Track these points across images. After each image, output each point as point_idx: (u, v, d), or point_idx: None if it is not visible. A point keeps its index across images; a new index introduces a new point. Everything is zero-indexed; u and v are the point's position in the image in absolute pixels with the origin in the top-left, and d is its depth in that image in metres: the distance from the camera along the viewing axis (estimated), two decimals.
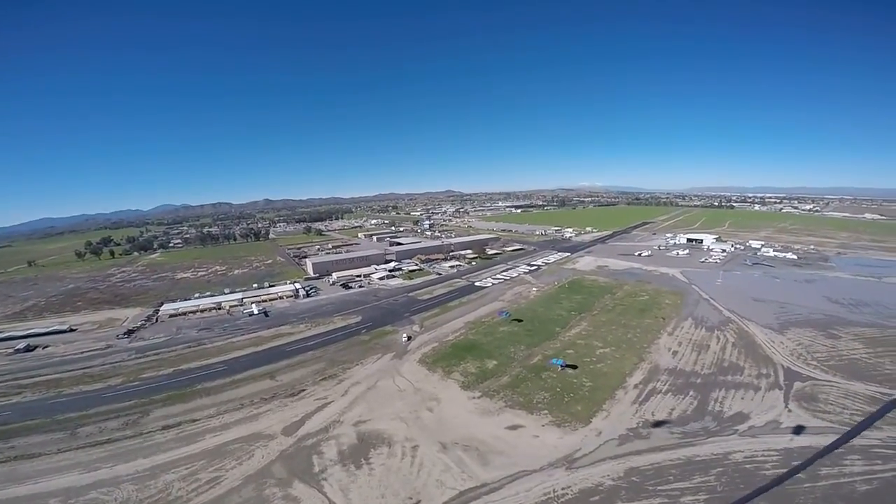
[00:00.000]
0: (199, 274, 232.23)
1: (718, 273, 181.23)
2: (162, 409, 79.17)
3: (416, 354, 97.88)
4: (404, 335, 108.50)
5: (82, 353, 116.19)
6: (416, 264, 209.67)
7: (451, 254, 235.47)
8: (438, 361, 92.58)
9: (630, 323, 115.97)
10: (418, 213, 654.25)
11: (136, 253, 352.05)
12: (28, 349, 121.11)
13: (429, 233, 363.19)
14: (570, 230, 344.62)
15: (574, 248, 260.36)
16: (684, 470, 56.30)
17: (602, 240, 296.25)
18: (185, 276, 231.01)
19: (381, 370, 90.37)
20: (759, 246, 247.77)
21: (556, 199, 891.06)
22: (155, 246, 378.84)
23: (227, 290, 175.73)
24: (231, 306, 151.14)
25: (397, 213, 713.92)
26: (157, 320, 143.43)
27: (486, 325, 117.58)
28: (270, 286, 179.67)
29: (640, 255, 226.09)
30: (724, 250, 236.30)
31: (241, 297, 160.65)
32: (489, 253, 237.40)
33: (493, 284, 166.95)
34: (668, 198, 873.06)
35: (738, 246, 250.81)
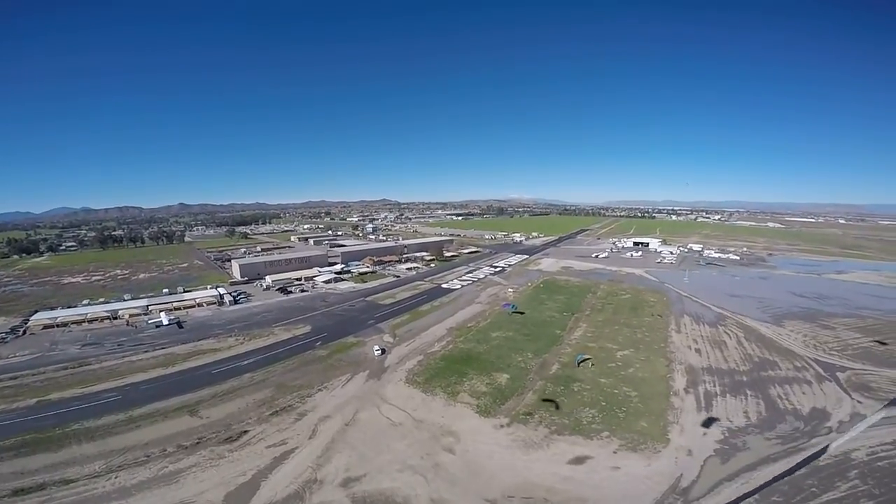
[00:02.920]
0: (94, 279, 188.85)
1: (681, 272, 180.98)
2: (14, 462, 50.46)
3: (398, 372, 74.72)
4: (376, 348, 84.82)
5: None
6: (368, 267, 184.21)
7: (405, 256, 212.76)
8: (433, 380, 70.46)
9: (630, 322, 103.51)
10: (355, 220, 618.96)
11: (15, 256, 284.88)
12: None
13: (372, 236, 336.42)
14: (518, 235, 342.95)
15: (529, 251, 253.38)
16: (820, 479, 45.17)
17: (552, 244, 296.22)
18: (74, 280, 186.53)
19: (356, 396, 66.01)
20: (699, 248, 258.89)
21: (491, 209, 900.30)
22: (42, 249, 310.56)
23: (127, 297, 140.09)
24: (132, 315, 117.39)
25: (332, 219, 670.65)
26: (24, 332, 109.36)
27: (473, 330, 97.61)
28: (186, 291, 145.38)
29: (597, 256, 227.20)
30: (672, 252, 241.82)
31: (145, 303, 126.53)
32: (447, 255, 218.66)
33: (463, 286, 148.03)
34: (592, 209, 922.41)
35: (682, 249, 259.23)
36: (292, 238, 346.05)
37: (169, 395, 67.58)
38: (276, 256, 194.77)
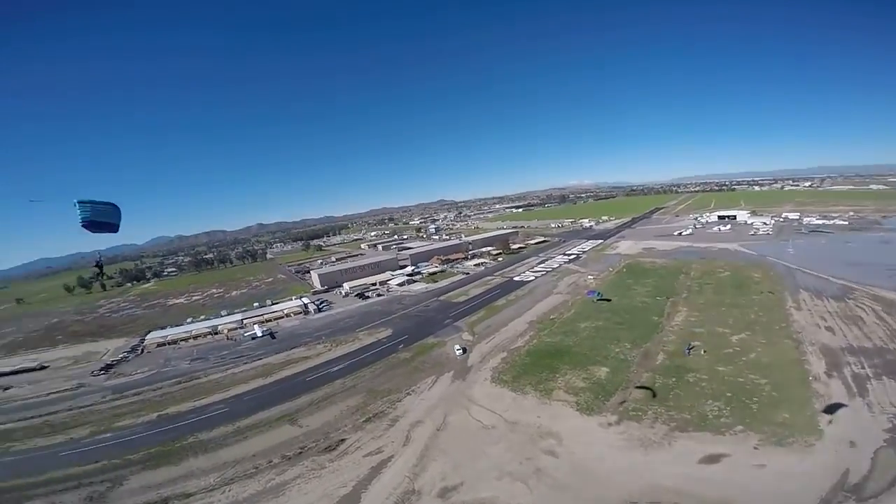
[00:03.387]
0: (194, 298, 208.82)
1: (783, 243, 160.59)
2: (140, 476, 53.47)
3: (483, 371, 71.19)
4: (457, 347, 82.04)
5: (48, 394, 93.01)
6: (436, 266, 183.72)
7: (471, 252, 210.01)
8: (521, 377, 66.09)
9: (737, 302, 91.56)
10: (417, 222, 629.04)
11: (128, 284, 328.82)
12: None
13: (436, 236, 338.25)
14: (587, 220, 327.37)
15: (602, 235, 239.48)
16: None
17: (626, 226, 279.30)
18: (178, 301, 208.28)
19: (444, 398, 63.56)
20: (796, 217, 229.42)
21: (552, 198, 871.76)
22: (148, 276, 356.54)
23: (224, 313, 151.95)
24: (230, 329, 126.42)
25: (395, 224, 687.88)
26: (142, 351, 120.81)
27: (557, 322, 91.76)
28: (274, 304, 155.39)
29: (680, 234, 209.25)
30: (765, 223, 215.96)
31: (240, 318, 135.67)
32: (514, 247, 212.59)
33: (537, 277, 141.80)
34: (661, 187, 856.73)
35: (776, 219, 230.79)
36: (362, 246, 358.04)
37: (270, 404, 69.56)
38: (350, 264, 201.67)
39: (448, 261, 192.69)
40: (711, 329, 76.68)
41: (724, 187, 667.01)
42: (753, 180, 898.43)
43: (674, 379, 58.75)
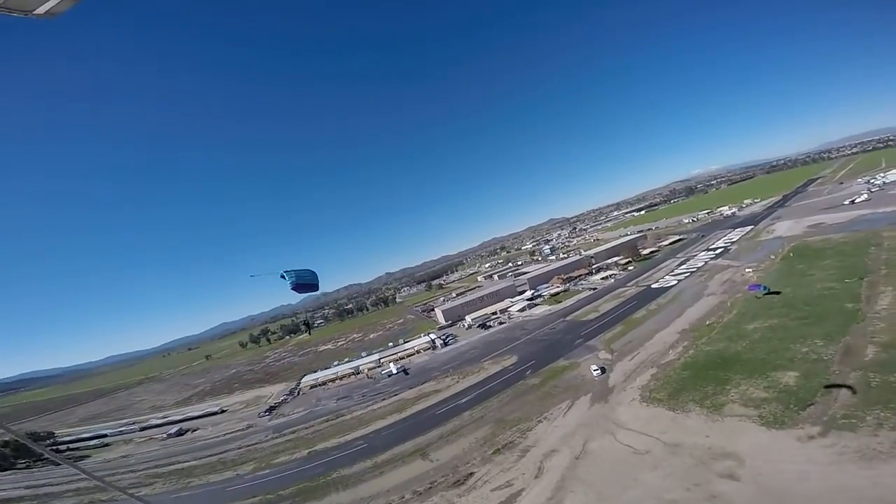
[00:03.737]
0: (339, 344, 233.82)
1: None
2: None
3: (628, 391, 62.04)
4: (593, 367, 73.63)
5: (224, 435, 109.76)
6: (558, 286, 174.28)
7: (595, 266, 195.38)
8: (679, 393, 55.70)
9: None
10: (529, 246, 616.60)
11: (287, 336, 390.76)
12: (180, 433, 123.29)
13: (552, 257, 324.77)
14: (726, 208, 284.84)
15: (749, 220, 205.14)
16: None
17: (777, 205, 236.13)
18: (326, 347, 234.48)
19: (582, 424, 56.36)
20: None
21: (676, 192, 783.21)
22: (302, 329, 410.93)
23: (363, 354, 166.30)
24: (369, 369, 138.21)
25: (507, 253, 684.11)
26: (298, 393, 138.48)
27: (716, 327, 77.39)
28: (405, 342, 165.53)
29: (853, 202, 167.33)
30: None
31: (377, 357, 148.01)
32: (645, 252, 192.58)
33: (680, 281, 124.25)
34: (808, 156, 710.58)
35: None
36: (479, 278, 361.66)
37: (404, 439, 70.75)
38: (469, 297, 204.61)
39: (570, 279, 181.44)
40: None
41: (890, 143, 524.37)
42: None
43: (887, 377, 43.78)
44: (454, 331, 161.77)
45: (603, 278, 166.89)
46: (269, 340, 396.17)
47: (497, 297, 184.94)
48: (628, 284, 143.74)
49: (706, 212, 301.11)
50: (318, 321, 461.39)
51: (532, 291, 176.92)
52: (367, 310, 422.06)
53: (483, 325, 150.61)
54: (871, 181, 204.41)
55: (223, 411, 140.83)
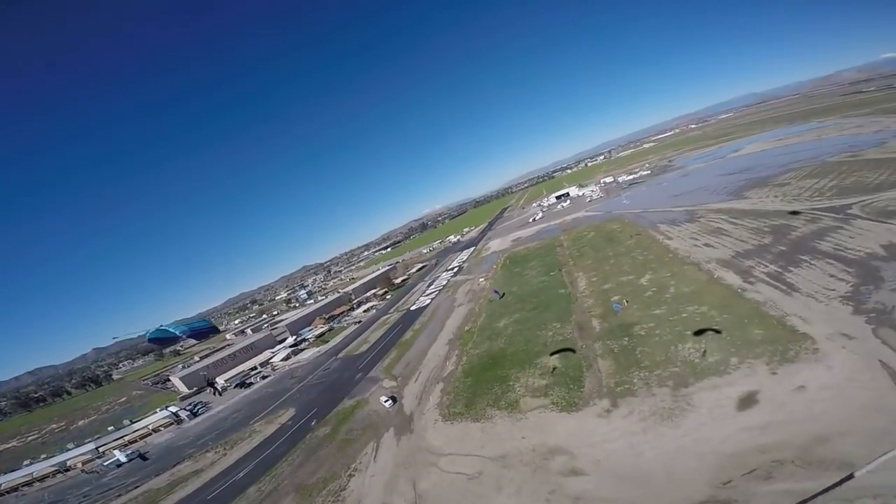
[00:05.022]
0: (29, 439, 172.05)
1: (616, 199, 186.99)
2: None
3: (427, 414, 58.16)
4: (383, 398, 67.41)
5: None
6: (322, 327, 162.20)
7: (355, 301, 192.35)
8: (475, 401, 54.97)
9: (618, 251, 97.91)
10: (284, 295, 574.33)
11: None
12: None
13: (310, 301, 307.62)
14: (452, 236, 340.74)
15: (471, 243, 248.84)
16: None
17: (487, 229, 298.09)
18: (8, 446, 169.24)
19: (399, 464, 48.80)
20: (611, 180, 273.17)
21: (413, 230, 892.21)
22: None
23: (71, 445, 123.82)
24: (84, 462, 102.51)
25: (260, 305, 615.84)
26: None
27: (475, 331, 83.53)
28: (134, 422, 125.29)
29: (534, 219, 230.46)
30: (592, 191, 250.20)
31: (93, 447, 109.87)
32: (398, 281, 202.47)
33: (432, 300, 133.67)
34: (497, 193, 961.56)
35: (597, 185, 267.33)
36: (227, 336, 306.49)
37: None
38: (217, 356, 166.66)
39: (333, 317, 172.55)
40: (618, 281, 77.59)
41: (544, 178, 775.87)
42: (560, 167, 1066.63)
43: (626, 339, 54.73)
44: (204, 398, 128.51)
45: (365, 310, 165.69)
46: None
47: (253, 350, 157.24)
48: (390, 311, 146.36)
49: (439, 241, 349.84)
50: None
51: (294, 337, 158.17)
52: (70, 394, 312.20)
53: (242, 384, 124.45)
54: (541, 204, 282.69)
55: None
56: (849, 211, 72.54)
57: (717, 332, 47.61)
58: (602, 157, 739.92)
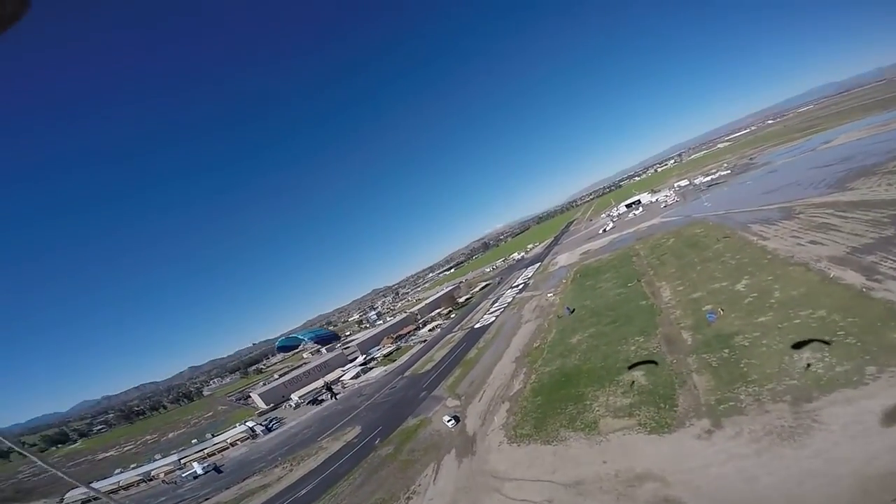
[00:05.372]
0: (125, 449, 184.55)
1: (695, 202, 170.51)
2: None
3: (492, 435, 53.91)
4: (446, 418, 63.96)
5: None
6: (389, 346, 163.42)
7: (421, 321, 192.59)
8: (545, 422, 49.64)
9: (706, 256, 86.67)
10: (356, 317, 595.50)
11: (52, 448, 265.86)
12: None
13: (380, 322, 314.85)
14: (516, 253, 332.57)
15: (536, 259, 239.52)
16: None
17: (553, 244, 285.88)
18: (107, 455, 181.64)
19: (459, 489, 44.85)
20: (687, 183, 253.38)
21: (475, 249, 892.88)
22: (74, 437, 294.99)
23: (158, 456, 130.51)
24: (166, 473, 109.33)
25: (335, 327, 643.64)
26: None
27: (545, 348, 77.60)
28: (215, 436, 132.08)
29: (604, 230, 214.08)
30: (667, 195, 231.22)
31: (176, 458, 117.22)
32: (461, 300, 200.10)
33: (497, 317, 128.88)
34: (560, 208, 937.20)
35: (671, 190, 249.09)
36: (304, 355, 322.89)
37: None
38: (293, 374, 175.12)
39: (400, 336, 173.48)
40: (708, 289, 68.30)
41: (611, 188, 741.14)
42: (627, 175, 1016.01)
43: (726, 350, 46.59)
44: (279, 413, 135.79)
45: (430, 329, 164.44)
46: (23, 455, 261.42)
47: (326, 368, 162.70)
48: (454, 330, 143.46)
49: (502, 260, 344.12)
50: (99, 426, 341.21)
51: (363, 356, 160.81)
52: (165, 408, 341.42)
53: (314, 401, 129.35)
54: (611, 214, 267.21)
55: None
56: None
57: (839, 337, 38.81)
58: (672, 161, 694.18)
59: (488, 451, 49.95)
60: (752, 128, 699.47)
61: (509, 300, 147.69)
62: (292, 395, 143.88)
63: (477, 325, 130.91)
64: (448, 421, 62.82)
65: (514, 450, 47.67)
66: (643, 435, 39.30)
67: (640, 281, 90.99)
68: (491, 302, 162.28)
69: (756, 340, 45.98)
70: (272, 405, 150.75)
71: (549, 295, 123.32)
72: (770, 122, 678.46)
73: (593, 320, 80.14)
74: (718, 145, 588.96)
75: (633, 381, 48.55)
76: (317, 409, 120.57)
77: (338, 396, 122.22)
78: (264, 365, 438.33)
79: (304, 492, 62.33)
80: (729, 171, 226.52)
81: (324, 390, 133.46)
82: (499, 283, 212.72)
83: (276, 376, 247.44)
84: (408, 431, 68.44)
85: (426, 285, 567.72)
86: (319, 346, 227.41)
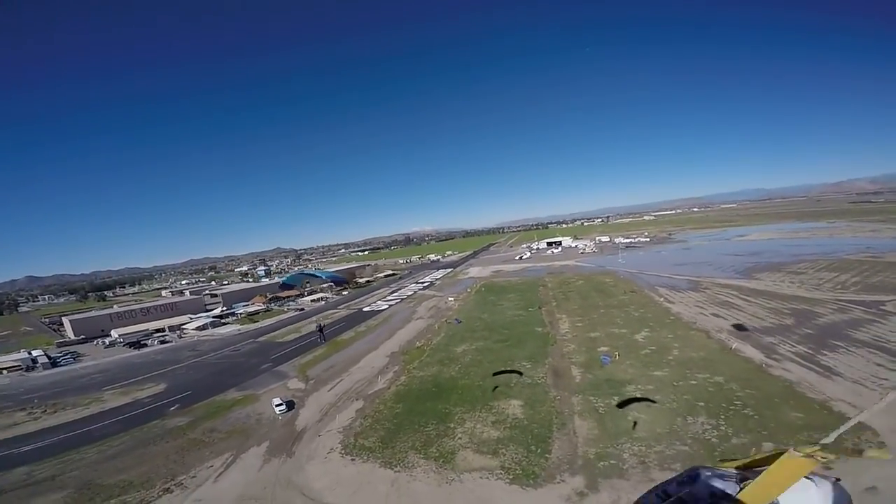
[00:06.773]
0: None
1: (610, 256, 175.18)
2: None
3: (325, 436, 41.84)
4: (276, 401, 50.60)
5: None
6: (259, 304, 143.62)
7: (308, 289, 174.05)
8: (396, 437, 39.02)
9: (610, 303, 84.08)
10: (245, 269, 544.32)
11: None
12: None
13: (266, 279, 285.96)
14: (433, 255, 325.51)
15: (450, 265, 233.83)
16: None
17: (470, 257, 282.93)
18: None
19: (247, 497, 32.24)
20: (607, 239, 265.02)
21: (397, 242, 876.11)
22: None
23: None
24: None
25: (217, 273, 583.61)
26: None
27: (427, 349, 67.83)
28: None
29: (520, 258, 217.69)
30: (586, 245, 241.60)
31: None
32: (361, 281, 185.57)
33: (391, 306, 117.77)
34: (488, 230, 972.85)
35: (593, 241, 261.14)
36: (163, 293, 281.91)
37: None
38: (127, 308, 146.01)
39: (277, 298, 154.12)
40: (607, 332, 63.74)
41: (538, 227, 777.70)
42: (556, 221, 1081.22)
43: (616, 398, 39.97)
44: (85, 349, 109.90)
45: (313, 300, 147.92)
46: None
47: (172, 310, 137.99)
48: (339, 307, 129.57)
49: (418, 256, 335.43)
50: None
51: (223, 308, 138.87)
52: None
53: (135, 344, 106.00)
54: (531, 246, 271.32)
55: None
56: (883, 307, 61.42)
57: (735, 407, 33.69)
58: (599, 220, 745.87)
59: (311, 458, 37.93)
60: (679, 210, 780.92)
61: (409, 293, 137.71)
62: (112, 332, 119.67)
63: (366, 308, 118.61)
64: (278, 405, 49.62)
65: (344, 464, 36.17)
66: (503, 483, 30.32)
67: (542, 309, 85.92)
68: (390, 291, 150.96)
69: (649, 394, 40.13)
70: (82, 337, 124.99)
71: (450, 299, 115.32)
72: (696, 209, 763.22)
73: (485, 334, 72.35)
74: (645, 217, 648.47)
75: (508, 411, 40.05)
76: (131, 353, 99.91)
77: (166, 345, 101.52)
78: (114, 292, 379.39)
79: (29, 447, 46.21)
80: (648, 240, 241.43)
81: (153, 334, 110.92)
82: (407, 275, 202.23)
83: (113, 307, 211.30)
84: (220, 405, 53.78)
85: (333, 259, 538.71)
86: (334, 286, 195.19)
